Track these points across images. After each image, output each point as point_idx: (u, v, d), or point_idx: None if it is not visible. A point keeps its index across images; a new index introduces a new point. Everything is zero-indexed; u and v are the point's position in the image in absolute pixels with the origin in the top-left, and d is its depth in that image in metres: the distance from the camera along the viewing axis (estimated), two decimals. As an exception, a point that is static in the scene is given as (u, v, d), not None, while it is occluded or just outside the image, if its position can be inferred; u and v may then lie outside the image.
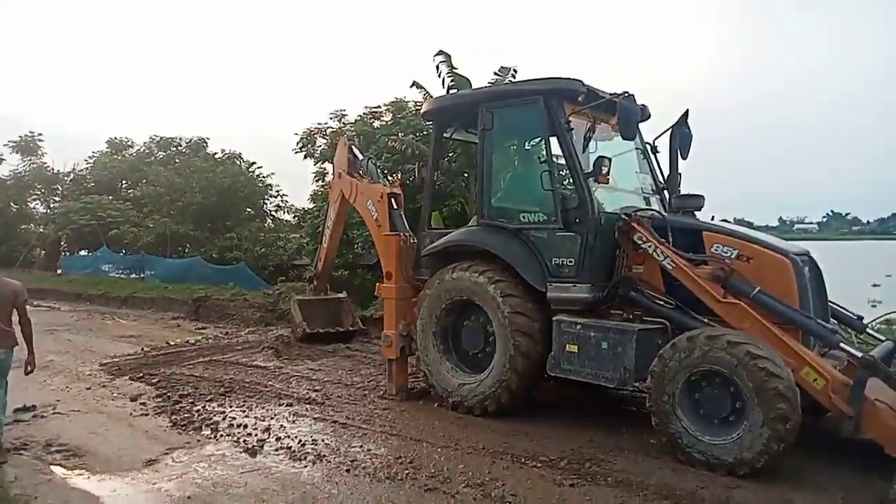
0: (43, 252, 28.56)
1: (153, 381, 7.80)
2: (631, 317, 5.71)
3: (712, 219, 6.46)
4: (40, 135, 30.53)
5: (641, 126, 6.69)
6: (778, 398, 4.53)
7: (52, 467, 5.00)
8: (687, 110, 6.66)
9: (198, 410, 6.50)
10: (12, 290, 5.31)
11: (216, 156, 26.03)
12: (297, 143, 17.62)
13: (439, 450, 5.37)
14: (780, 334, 5.00)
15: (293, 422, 6.21)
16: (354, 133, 16.54)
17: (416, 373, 7.28)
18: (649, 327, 5.54)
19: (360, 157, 9.38)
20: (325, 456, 5.21)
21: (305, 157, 17.55)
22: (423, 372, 6.86)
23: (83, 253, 25.92)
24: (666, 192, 6.86)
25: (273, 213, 24.81)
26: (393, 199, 7.91)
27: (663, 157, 6.85)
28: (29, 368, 5.43)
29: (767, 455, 4.58)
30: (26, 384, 7.63)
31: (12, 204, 30.00)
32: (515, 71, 13.21)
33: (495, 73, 13.27)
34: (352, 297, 14.13)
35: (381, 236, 7.75)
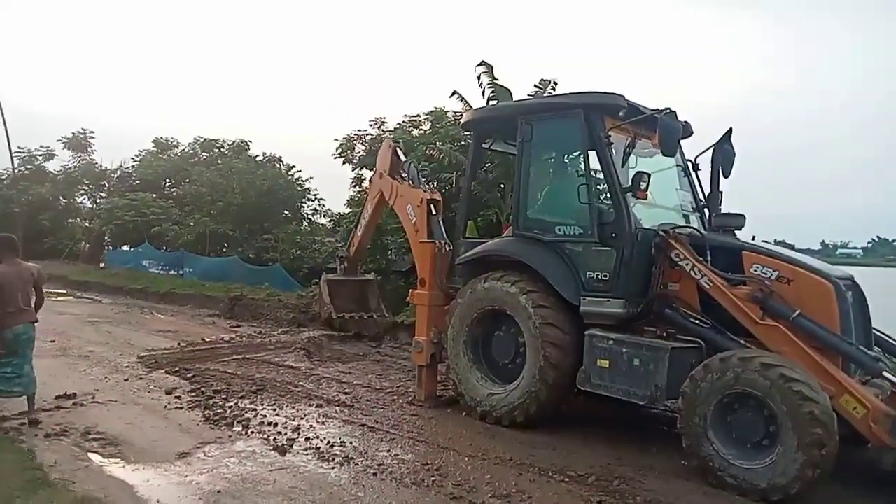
0: (87, 246, 29.47)
1: (188, 375, 7.98)
2: (665, 334, 5.65)
3: (753, 239, 6.35)
4: (91, 132, 31.64)
5: (683, 143, 6.62)
6: (813, 423, 4.42)
7: (89, 454, 5.14)
8: (730, 128, 6.58)
9: (230, 407, 6.63)
10: (31, 272, 5.98)
11: (257, 158, 26.63)
12: (337, 149, 17.91)
13: (466, 459, 5.37)
14: (819, 359, 4.88)
15: (322, 423, 6.28)
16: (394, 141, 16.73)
17: (446, 380, 7.30)
18: (683, 346, 5.46)
19: (404, 158, 9.40)
20: (352, 458, 5.25)
21: (344, 162, 17.83)
22: (453, 380, 6.87)
23: (126, 248, 26.66)
24: (706, 210, 6.76)
25: (310, 216, 25.24)
26: (432, 206, 7.91)
27: (705, 174, 6.78)
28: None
29: (801, 481, 4.46)
30: (68, 373, 7.94)
31: (61, 198, 31.08)
32: (556, 84, 13.23)
33: (535, 86, 13.30)
34: (384, 302, 14.27)
35: (418, 242, 7.80)
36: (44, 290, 6.20)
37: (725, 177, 6.65)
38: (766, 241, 7.32)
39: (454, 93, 14.02)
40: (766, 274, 5.39)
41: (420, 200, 7.98)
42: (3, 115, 27.48)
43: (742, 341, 5.31)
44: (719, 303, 5.44)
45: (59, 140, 31.28)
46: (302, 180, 25.01)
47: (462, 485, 4.77)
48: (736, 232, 6.15)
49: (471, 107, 12.79)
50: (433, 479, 4.87)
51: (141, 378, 7.86)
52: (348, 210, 17.96)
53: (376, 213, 10.35)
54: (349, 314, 10.70)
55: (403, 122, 17.30)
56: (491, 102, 12.15)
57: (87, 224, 30.93)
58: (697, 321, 5.63)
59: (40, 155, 31.95)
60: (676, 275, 5.81)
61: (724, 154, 6.54)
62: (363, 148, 17.95)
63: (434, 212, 7.87)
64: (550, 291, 6.15)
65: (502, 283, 6.40)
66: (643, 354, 5.44)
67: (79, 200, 32.38)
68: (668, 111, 5.73)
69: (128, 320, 13.42)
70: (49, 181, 31.03)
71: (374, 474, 4.94)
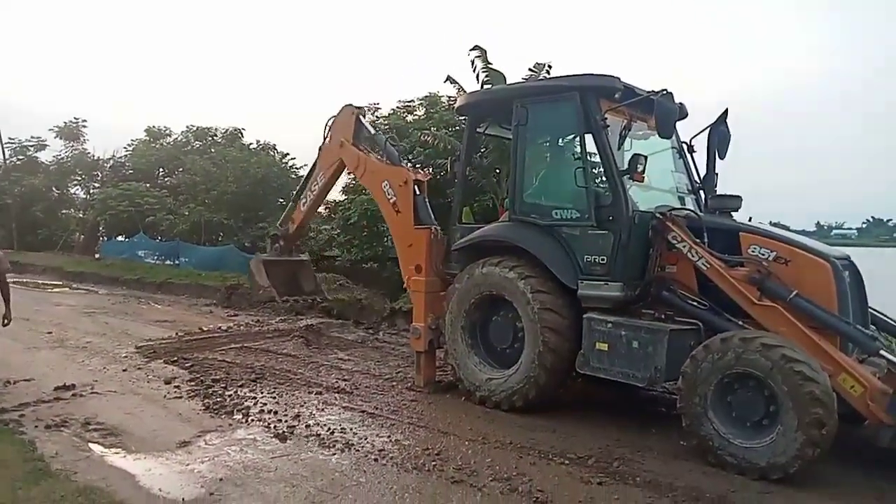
0: (82, 237, 29.32)
1: (187, 365, 7.98)
2: (663, 316, 5.65)
3: (749, 220, 6.36)
4: (84, 121, 31.29)
5: (678, 125, 6.59)
6: (813, 403, 4.45)
7: (90, 445, 5.14)
8: (726, 109, 6.55)
9: (230, 395, 6.64)
10: None
11: (251, 146, 26.46)
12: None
13: (466, 443, 5.40)
14: (817, 339, 4.91)
15: (322, 410, 6.29)
16: (388, 126, 16.63)
17: (444, 366, 7.32)
18: (682, 328, 5.48)
19: (371, 129, 8.98)
20: (353, 444, 5.27)
21: (338, 148, 17.69)
22: (451, 365, 6.89)
23: (120, 238, 26.55)
24: (702, 191, 6.76)
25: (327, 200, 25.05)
26: (416, 186, 7.66)
27: (700, 156, 6.76)
28: (6, 321, 6.22)
29: (801, 460, 4.50)
30: (66, 364, 7.92)
31: (54, 189, 30.86)
32: (550, 67, 13.15)
33: (530, 69, 13.21)
34: (381, 288, 14.27)
35: (399, 222, 7.67)
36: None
37: (721, 158, 6.63)
38: (761, 223, 7.34)
39: (448, 78, 13.91)
40: (763, 255, 5.40)
41: (404, 180, 7.70)
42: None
43: (740, 322, 5.33)
44: (717, 284, 5.45)
45: (50, 130, 31.00)
46: (296, 168, 24.88)
47: (463, 468, 4.80)
48: (732, 213, 6.15)
49: (465, 92, 12.71)
50: (434, 463, 4.89)
51: (139, 368, 7.86)
52: (343, 197, 17.89)
53: (328, 187, 9.57)
54: (290, 297, 9.93)
55: (397, 107, 17.21)
56: (485, 87, 12.07)
57: (80, 215, 30.73)
58: (695, 303, 5.65)
59: (31, 145, 31.66)
60: (674, 257, 5.81)
61: (719, 136, 6.51)
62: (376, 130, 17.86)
63: (419, 192, 7.65)
64: (548, 276, 6.15)
65: (500, 269, 6.39)
66: (642, 337, 5.46)
67: (72, 191, 32.15)
68: (664, 92, 5.70)
69: (125, 311, 13.39)
70: (42, 172, 30.80)
71: (375, 460, 4.96)
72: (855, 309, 5.35)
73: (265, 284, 9.69)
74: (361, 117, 9.00)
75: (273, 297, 9.69)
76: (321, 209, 23.97)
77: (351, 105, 9.14)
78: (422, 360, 7.24)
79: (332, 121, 9.08)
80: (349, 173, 9.11)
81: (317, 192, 9.51)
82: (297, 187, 10.06)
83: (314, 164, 9.64)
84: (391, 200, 7.81)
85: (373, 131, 8.96)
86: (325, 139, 9.24)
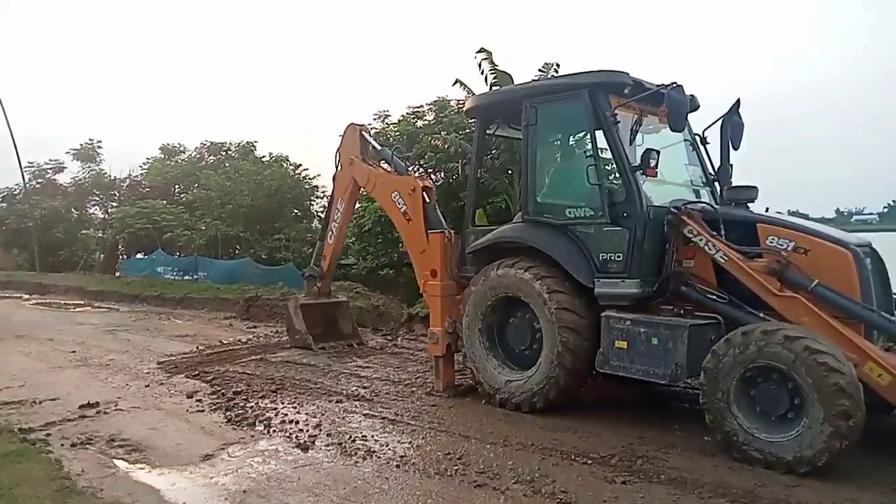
0: (102, 256, 29.75)
1: (208, 378, 8.03)
2: (682, 312, 5.60)
3: (766, 210, 6.27)
4: (99, 142, 31.83)
5: (690, 117, 6.53)
6: (839, 394, 4.36)
7: (115, 461, 5.19)
8: (738, 100, 6.48)
9: (251, 407, 6.67)
10: None
11: (264, 159, 26.69)
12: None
13: (488, 446, 5.37)
14: (840, 328, 4.83)
15: (343, 418, 6.30)
16: (398, 133, 16.69)
17: (463, 369, 7.30)
18: (701, 322, 5.42)
19: (376, 145, 9.08)
20: (375, 451, 5.27)
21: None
22: (470, 369, 6.87)
23: (140, 256, 26.89)
24: (717, 183, 6.69)
25: (319, 213, 25.24)
26: (425, 193, 7.76)
27: (714, 147, 6.70)
28: None
29: (829, 453, 4.41)
30: (90, 382, 8.01)
31: (73, 210, 31.36)
32: (558, 66, 13.12)
33: (539, 70, 13.21)
34: (398, 295, 14.29)
35: (411, 230, 7.78)
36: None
37: (735, 149, 6.56)
38: (779, 213, 7.25)
39: (457, 81, 13.95)
40: (782, 245, 5.32)
41: (412, 188, 7.83)
42: (11, 131, 27.79)
43: (761, 314, 5.25)
44: (736, 277, 5.38)
45: (67, 152, 31.56)
46: (309, 178, 25.06)
47: (485, 472, 4.77)
48: (749, 204, 6.07)
49: (474, 94, 12.72)
50: (456, 467, 4.87)
51: (161, 383, 7.92)
52: (357, 206, 17.98)
53: (348, 211, 9.57)
54: (327, 344, 9.76)
55: (407, 113, 17.26)
56: (493, 88, 12.07)
57: (100, 234, 31.21)
58: (714, 297, 5.58)
59: (50, 168, 32.26)
60: (691, 251, 5.75)
61: (732, 126, 6.45)
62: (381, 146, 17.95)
63: (428, 199, 7.74)
64: (564, 275, 6.11)
65: (515, 270, 6.37)
66: (661, 333, 5.40)
67: (91, 211, 32.69)
68: (674, 85, 5.65)
69: (146, 327, 13.53)
70: (60, 194, 31.32)
71: (398, 466, 4.96)
72: (878, 296, 5.25)
73: (302, 330, 9.73)
74: (365, 133, 9.14)
75: (309, 345, 9.61)
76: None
77: (353, 124, 9.32)
78: (440, 365, 7.23)
79: (339, 146, 9.29)
80: (361, 189, 9.22)
81: (341, 221, 9.59)
82: (321, 226, 10.14)
83: (331, 195, 9.85)
84: (402, 209, 7.94)
85: (378, 146, 9.12)
86: (337, 167, 9.45)
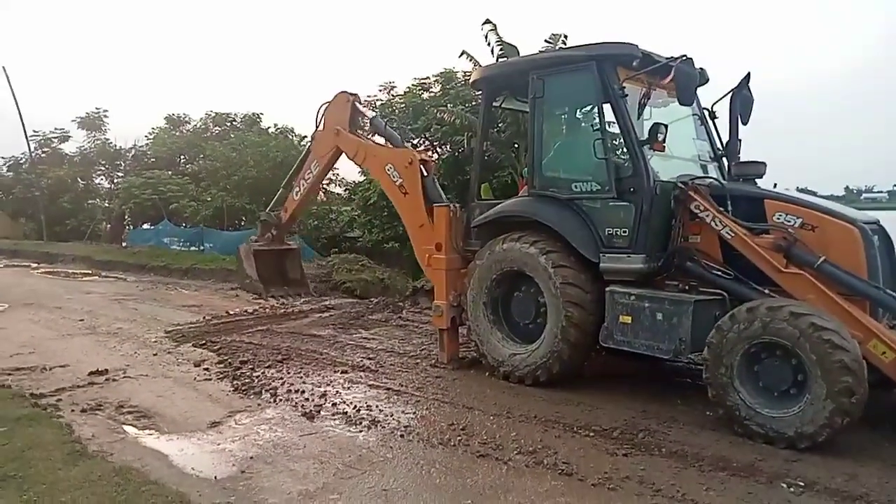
0: (109, 226, 29.83)
1: (215, 348, 8.11)
2: (687, 287, 5.61)
3: (774, 186, 6.23)
4: (105, 111, 31.61)
5: (699, 91, 6.46)
6: (843, 371, 4.38)
7: (124, 426, 5.28)
8: (748, 73, 6.40)
9: (257, 376, 6.74)
10: None
11: (269, 130, 26.55)
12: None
13: (491, 418, 5.44)
14: (846, 306, 4.83)
15: (348, 388, 6.37)
16: (404, 105, 16.55)
17: (468, 342, 7.35)
18: (706, 298, 5.43)
19: (369, 115, 8.96)
20: (379, 421, 5.34)
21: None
22: (474, 342, 6.91)
23: (146, 226, 26.94)
24: (725, 159, 6.63)
25: (324, 186, 25.19)
26: (423, 166, 7.70)
27: (722, 122, 6.62)
28: None
29: (830, 429, 4.45)
30: (99, 350, 8.11)
31: (79, 180, 31.35)
32: (566, 38, 12.94)
33: (545, 41, 13.03)
34: (403, 268, 14.33)
35: (405, 202, 7.78)
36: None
37: (744, 124, 6.49)
38: (787, 189, 7.20)
39: (463, 53, 13.78)
40: (789, 221, 5.30)
41: (409, 160, 7.77)
42: (16, 100, 27.70)
43: (766, 291, 5.25)
44: (742, 253, 5.37)
45: (73, 120, 31.42)
46: (315, 150, 24.91)
47: (488, 443, 4.84)
48: (757, 180, 6.03)
49: (480, 66, 12.58)
50: (459, 438, 4.94)
51: (169, 352, 8.01)
52: (362, 178, 17.92)
53: (321, 175, 9.59)
54: (276, 288, 9.92)
55: (413, 85, 17.08)
56: (500, 60, 11.93)
57: (106, 204, 31.24)
58: (720, 272, 5.58)
59: (55, 137, 32.13)
60: (697, 227, 5.74)
61: (742, 100, 6.37)
62: (374, 114, 17.81)
63: (426, 172, 7.68)
64: (569, 250, 6.11)
65: (520, 244, 6.37)
66: (666, 308, 5.41)
67: (97, 181, 32.66)
68: (684, 58, 5.57)
69: (153, 297, 13.62)
70: (66, 163, 31.29)
71: (402, 436, 5.03)
72: (885, 274, 5.24)
73: (253, 276, 9.83)
74: (357, 103, 8.97)
75: (259, 292, 9.71)
76: (341, 190, 24.22)
77: (345, 92, 9.13)
78: (445, 338, 7.28)
79: (325, 107, 9.08)
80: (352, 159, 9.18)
81: (311, 181, 9.54)
82: (288, 175, 10.00)
83: (306, 152, 9.72)
84: (397, 183, 7.89)
85: (370, 115, 8.95)
86: (317, 126, 9.27)
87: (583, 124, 6.79)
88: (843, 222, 5.19)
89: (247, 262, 9.98)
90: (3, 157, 33.00)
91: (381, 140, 8.93)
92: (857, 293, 4.96)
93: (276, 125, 27.34)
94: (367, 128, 8.83)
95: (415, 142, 16.51)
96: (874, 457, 4.56)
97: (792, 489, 4.10)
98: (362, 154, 8.63)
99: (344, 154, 9.26)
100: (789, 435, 4.61)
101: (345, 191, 23.80)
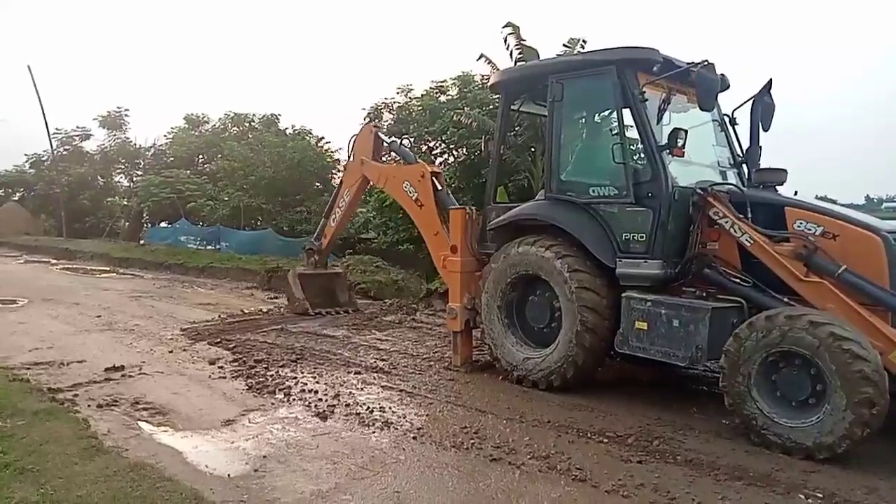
0: (127, 224, 30.19)
1: (230, 346, 8.17)
2: (704, 294, 5.54)
3: (795, 194, 6.15)
4: (126, 110, 32.05)
5: (720, 97, 6.39)
6: (863, 382, 4.31)
7: (139, 423, 5.32)
8: (770, 80, 6.32)
9: (271, 375, 6.77)
10: None
11: (287, 131, 26.72)
12: (364, 118, 17.83)
13: (504, 422, 5.41)
14: (867, 315, 4.76)
15: (361, 389, 6.38)
16: (421, 108, 16.57)
17: (481, 345, 7.33)
18: (724, 305, 5.36)
19: (387, 141, 9.68)
20: (392, 423, 5.34)
21: (372, 131, 17.74)
22: (488, 345, 6.89)
23: (164, 225, 27.23)
24: (745, 165, 6.56)
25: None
26: (434, 179, 8.10)
27: (743, 129, 6.56)
28: None
29: (850, 440, 4.38)
30: (115, 346, 8.19)
31: (99, 177, 31.80)
32: (585, 42, 12.90)
33: (564, 45, 13.01)
34: (417, 270, 14.33)
35: (422, 215, 8.17)
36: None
37: (765, 131, 6.42)
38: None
39: (481, 56, 13.79)
40: (810, 229, 5.22)
41: (421, 174, 8.24)
42: (39, 98, 28.14)
43: (785, 299, 5.18)
44: (761, 261, 5.31)
45: (94, 119, 31.86)
46: (332, 151, 25.05)
47: (501, 447, 4.81)
48: (777, 187, 5.96)
49: (499, 70, 12.57)
50: (472, 441, 4.92)
51: (184, 350, 8.07)
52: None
53: (354, 202, 10.35)
54: (322, 310, 10.45)
55: (430, 88, 17.11)
56: (519, 63, 11.91)
57: (125, 202, 31.62)
58: (738, 280, 5.51)
59: (77, 135, 32.64)
60: (716, 233, 5.68)
61: (763, 107, 6.31)
62: (391, 116, 17.87)
63: (439, 186, 8.07)
64: (585, 255, 6.07)
65: (536, 248, 6.34)
66: (683, 315, 5.36)
67: (116, 179, 33.11)
68: (705, 63, 5.53)
69: (169, 294, 13.76)
70: (87, 161, 31.72)
71: (414, 438, 5.02)
72: (907, 284, 5.14)
73: (300, 297, 10.50)
74: (380, 133, 9.77)
75: (307, 310, 10.35)
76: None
77: (369, 123, 10.26)
78: (459, 340, 7.26)
79: (353, 140, 9.90)
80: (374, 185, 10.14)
81: (344, 209, 10.33)
82: (327, 205, 10.89)
83: (340, 182, 10.62)
84: (413, 197, 8.34)
85: (389, 141, 9.72)
86: (349, 157, 10.14)
87: (602, 128, 6.76)
88: (865, 231, 5.11)
89: (294, 285, 10.73)
90: (25, 154, 33.59)
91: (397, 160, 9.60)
92: (879, 303, 4.88)
93: (293, 126, 27.54)
94: (391, 153, 9.40)
95: (431, 144, 16.56)
96: (895, 470, 4.47)
97: (810, 500, 4.04)
98: (384, 178, 9.21)
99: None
100: (807, 445, 4.54)
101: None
